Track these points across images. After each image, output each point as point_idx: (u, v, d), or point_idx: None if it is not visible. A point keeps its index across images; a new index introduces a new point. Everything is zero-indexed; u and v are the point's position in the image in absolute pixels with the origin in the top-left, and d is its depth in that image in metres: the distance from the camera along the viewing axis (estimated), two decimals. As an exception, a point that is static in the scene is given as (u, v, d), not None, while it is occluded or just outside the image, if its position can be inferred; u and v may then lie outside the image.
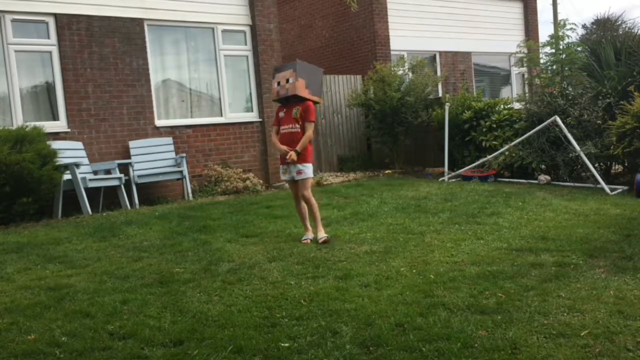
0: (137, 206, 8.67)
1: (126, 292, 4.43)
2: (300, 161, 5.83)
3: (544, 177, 9.14)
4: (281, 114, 5.98)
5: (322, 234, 5.87)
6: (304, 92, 5.84)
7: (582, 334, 3.26)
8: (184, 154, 9.44)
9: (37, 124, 7.99)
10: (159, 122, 9.67)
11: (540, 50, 11.66)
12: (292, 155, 5.74)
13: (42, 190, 7.57)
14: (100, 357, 3.28)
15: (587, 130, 8.91)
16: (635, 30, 10.11)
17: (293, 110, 5.86)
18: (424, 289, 4.16)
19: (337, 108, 12.43)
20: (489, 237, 5.67)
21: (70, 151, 8.44)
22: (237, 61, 10.73)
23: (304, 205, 6.06)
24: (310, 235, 5.96)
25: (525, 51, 12.64)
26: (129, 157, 9.13)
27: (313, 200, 5.94)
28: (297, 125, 5.83)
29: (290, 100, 5.93)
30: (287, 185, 10.08)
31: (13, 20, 8.42)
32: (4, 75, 8.35)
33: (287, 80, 5.86)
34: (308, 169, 5.90)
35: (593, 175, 8.34)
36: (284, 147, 5.83)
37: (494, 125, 10.39)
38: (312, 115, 5.84)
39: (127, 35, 9.32)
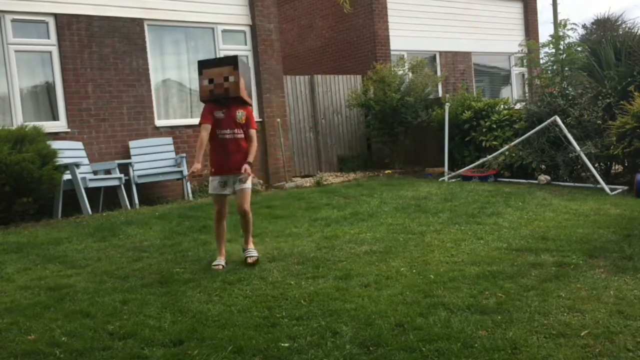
0: (137, 206, 8.67)
1: (126, 292, 4.43)
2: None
3: (544, 177, 9.14)
4: (218, 115, 5.13)
5: (253, 251, 5.25)
6: (245, 95, 5.17)
7: (582, 334, 3.26)
8: (184, 154, 9.43)
9: (37, 124, 7.98)
10: (159, 122, 9.66)
11: (540, 50, 11.66)
12: (248, 169, 5.06)
13: (42, 190, 7.58)
14: (100, 357, 3.28)
15: (587, 130, 8.91)
16: (635, 30, 10.14)
17: (237, 114, 5.14)
18: (424, 289, 4.17)
19: (337, 108, 12.42)
20: (489, 237, 5.67)
21: (70, 151, 8.44)
22: (237, 61, 10.73)
23: (225, 225, 5.33)
24: (223, 261, 5.14)
25: (526, 51, 12.65)
26: (129, 157, 9.12)
27: (251, 214, 5.33)
28: (241, 132, 5.17)
29: (227, 101, 5.16)
30: (287, 186, 10.20)
31: (13, 20, 8.41)
32: (4, 75, 8.35)
33: (226, 79, 5.07)
34: (250, 180, 5.25)
35: (593, 175, 8.34)
36: (198, 166, 5.15)
37: (494, 126, 10.39)
38: (254, 122, 5.30)
39: (127, 35, 9.32)
